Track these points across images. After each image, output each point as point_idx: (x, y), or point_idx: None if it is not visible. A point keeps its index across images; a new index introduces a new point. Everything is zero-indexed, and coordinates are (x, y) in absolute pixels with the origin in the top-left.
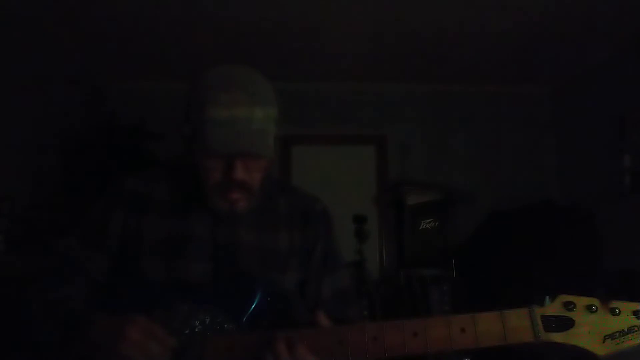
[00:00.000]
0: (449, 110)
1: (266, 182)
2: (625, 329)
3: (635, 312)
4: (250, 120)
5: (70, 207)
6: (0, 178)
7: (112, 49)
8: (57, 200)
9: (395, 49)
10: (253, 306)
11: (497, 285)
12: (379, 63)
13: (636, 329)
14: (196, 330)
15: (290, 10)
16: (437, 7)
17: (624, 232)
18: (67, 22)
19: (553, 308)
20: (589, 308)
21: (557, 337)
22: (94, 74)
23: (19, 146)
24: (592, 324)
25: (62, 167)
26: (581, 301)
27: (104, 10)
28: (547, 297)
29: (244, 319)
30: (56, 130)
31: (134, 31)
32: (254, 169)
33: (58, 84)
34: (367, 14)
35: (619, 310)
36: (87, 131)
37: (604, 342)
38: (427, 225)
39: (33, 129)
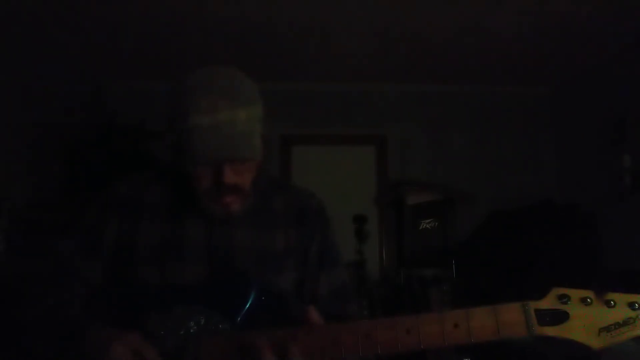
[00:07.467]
0: (449, 110)
1: (260, 181)
2: (621, 321)
3: (630, 304)
4: (234, 124)
5: (70, 207)
6: (0, 178)
7: (112, 49)
8: (57, 200)
9: (395, 49)
10: (247, 306)
11: (497, 285)
12: (379, 63)
13: (632, 320)
14: (191, 331)
15: (290, 11)
16: (437, 7)
17: (624, 232)
18: (67, 22)
19: (547, 301)
20: (583, 300)
21: (551, 331)
22: (94, 74)
23: (19, 146)
24: (587, 317)
25: (62, 167)
26: (576, 294)
27: (104, 10)
28: None
29: (238, 319)
30: (56, 130)
31: (134, 31)
32: (243, 171)
33: (58, 84)
34: (367, 14)
35: (615, 302)
36: (87, 131)
37: (599, 335)
38: (427, 225)
39: (33, 129)
